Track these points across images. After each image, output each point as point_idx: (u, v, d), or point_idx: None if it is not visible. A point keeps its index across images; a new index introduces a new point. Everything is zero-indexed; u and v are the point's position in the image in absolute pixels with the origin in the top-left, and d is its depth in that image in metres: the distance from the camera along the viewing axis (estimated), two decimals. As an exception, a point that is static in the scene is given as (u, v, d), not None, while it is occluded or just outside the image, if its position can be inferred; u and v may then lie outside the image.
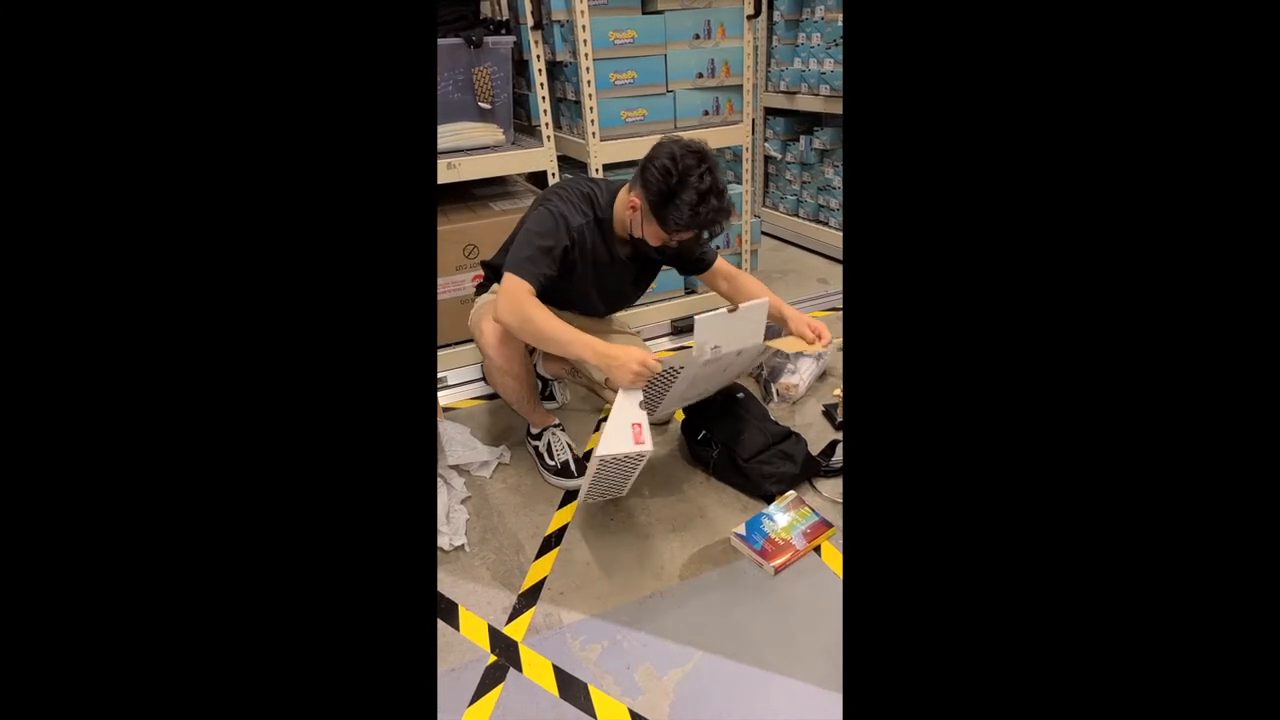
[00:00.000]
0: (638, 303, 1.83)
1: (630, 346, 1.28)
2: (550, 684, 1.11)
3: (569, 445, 1.60)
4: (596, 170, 1.94)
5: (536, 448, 1.62)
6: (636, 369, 1.23)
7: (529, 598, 1.28)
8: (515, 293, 1.30)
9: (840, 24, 2.46)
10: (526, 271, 1.31)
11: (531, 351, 1.59)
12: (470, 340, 1.99)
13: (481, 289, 1.67)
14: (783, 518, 1.38)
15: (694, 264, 1.62)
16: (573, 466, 1.56)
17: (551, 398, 1.89)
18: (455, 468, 1.59)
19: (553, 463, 1.58)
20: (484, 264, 1.67)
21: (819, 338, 1.49)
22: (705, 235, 1.39)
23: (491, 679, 1.12)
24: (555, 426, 1.63)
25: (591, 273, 1.47)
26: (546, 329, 1.28)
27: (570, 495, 1.54)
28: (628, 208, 1.38)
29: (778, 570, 1.28)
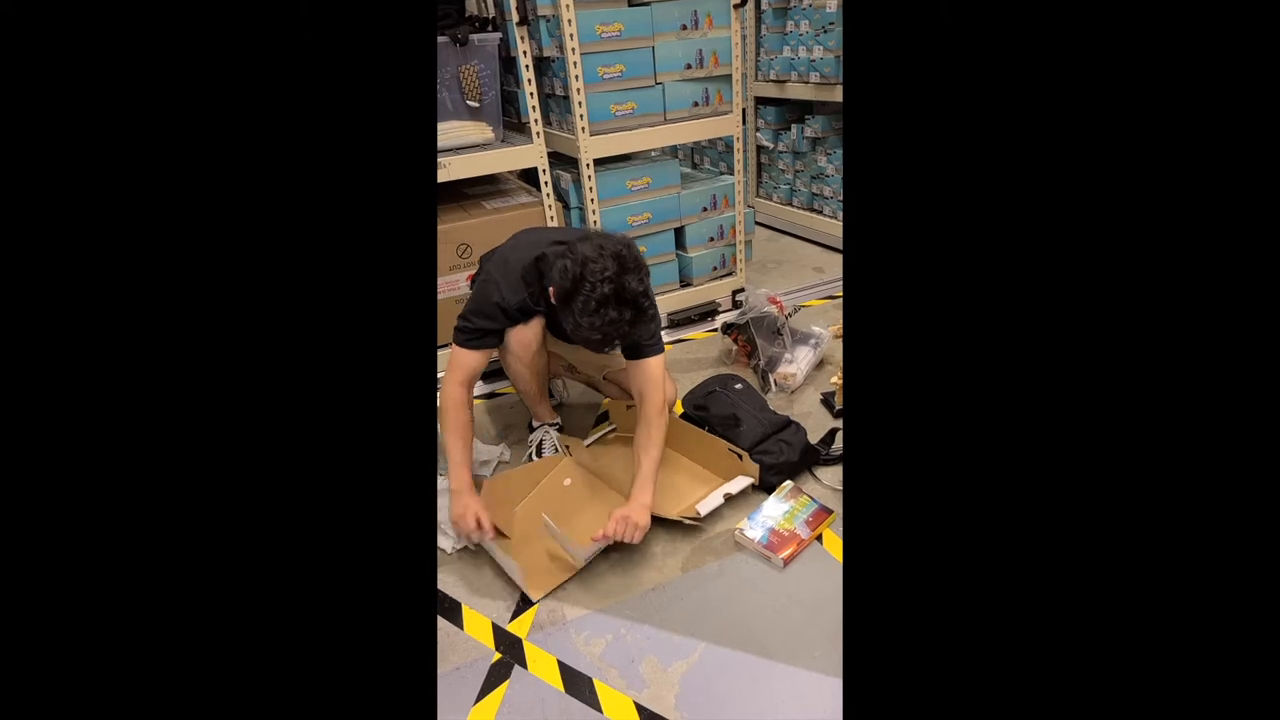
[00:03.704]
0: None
1: (467, 509, 1.27)
2: (555, 680, 1.11)
3: (558, 445, 1.60)
4: (588, 165, 1.93)
5: (531, 441, 1.63)
6: (459, 529, 1.29)
7: (532, 594, 1.28)
8: (449, 374, 1.36)
9: (829, 10, 2.45)
10: (465, 345, 1.36)
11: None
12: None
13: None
14: (782, 507, 1.38)
15: (630, 350, 1.42)
16: None
17: (550, 394, 1.89)
18: (455, 468, 1.59)
19: (540, 459, 1.58)
20: (482, 259, 1.67)
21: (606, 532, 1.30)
22: (610, 347, 1.30)
23: (496, 676, 1.13)
24: (551, 425, 1.63)
25: (553, 333, 1.46)
26: (443, 437, 1.35)
27: (571, 491, 1.54)
28: (551, 294, 1.27)
29: (786, 562, 1.28)
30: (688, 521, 1.36)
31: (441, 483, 1.52)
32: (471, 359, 1.37)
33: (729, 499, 1.41)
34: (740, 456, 1.45)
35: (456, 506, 1.29)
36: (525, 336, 1.39)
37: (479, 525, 1.26)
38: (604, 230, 1.31)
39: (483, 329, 1.36)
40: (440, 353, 1.96)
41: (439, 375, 1.93)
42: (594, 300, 1.17)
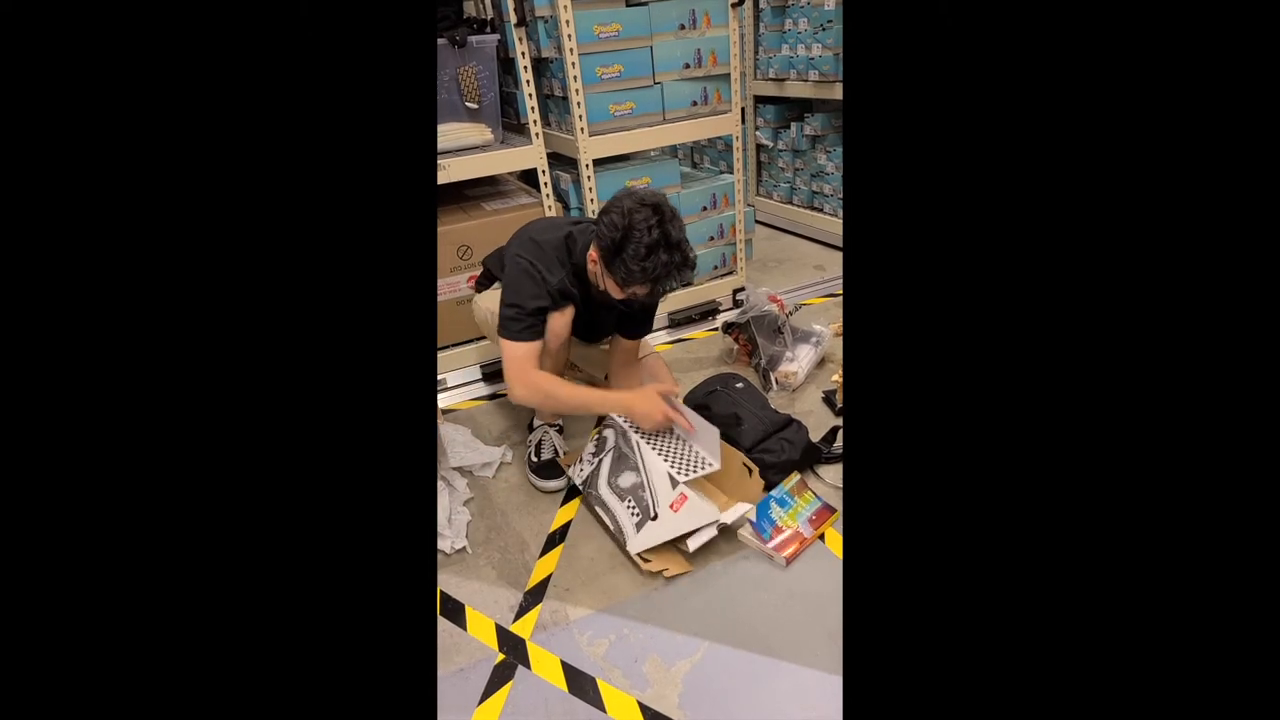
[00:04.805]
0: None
1: (649, 395, 1.36)
2: (559, 680, 1.11)
3: (556, 446, 1.60)
4: (587, 165, 1.93)
5: (530, 440, 1.63)
6: (659, 419, 1.36)
7: (535, 595, 1.28)
8: (522, 368, 1.36)
9: (827, 8, 2.44)
10: (524, 335, 1.36)
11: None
12: (469, 341, 2.00)
13: (481, 286, 1.70)
14: (787, 503, 1.38)
15: (633, 328, 1.56)
16: (557, 466, 1.57)
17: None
18: (458, 469, 1.59)
19: (537, 460, 1.58)
20: (484, 263, 1.70)
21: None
22: (663, 290, 1.35)
23: (500, 677, 1.13)
24: (553, 426, 1.63)
25: (579, 315, 1.47)
26: (569, 399, 1.41)
27: (574, 491, 1.54)
28: (591, 260, 1.35)
29: (789, 560, 1.28)
30: (678, 548, 1.32)
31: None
32: (532, 349, 1.36)
33: (722, 529, 1.33)
34: (750, 471, 1.40)
35: (641, 403, 1.36)
36: (557, 325, 1.40)
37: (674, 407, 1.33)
38: (629, 188, 1.36)
39: (535, 310, 1.35)
40: (440, 355, 1.97)
41: (439, 377, 1.96)
42: (644, 246, 1.24)
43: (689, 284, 1.44)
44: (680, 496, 1.28)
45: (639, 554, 1.29)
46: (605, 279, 1.33)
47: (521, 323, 1.35)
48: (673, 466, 1.33)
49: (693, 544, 1.30)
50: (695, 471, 1.33)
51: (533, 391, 1.37)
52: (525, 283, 1.36)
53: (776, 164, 3.06)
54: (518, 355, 1.36)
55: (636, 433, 1.42)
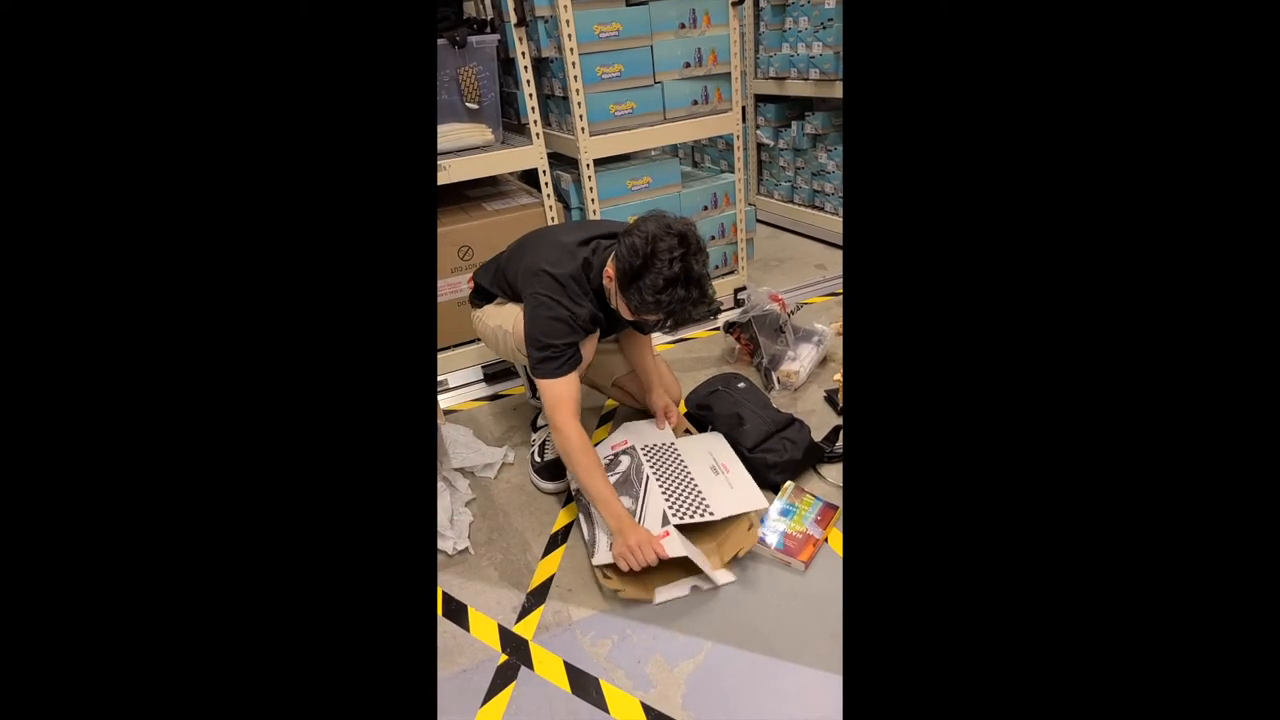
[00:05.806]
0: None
1: (643, 537, 1.22)
2: (562, 681, 1.11)
3: None
4: (587, 165, 1.93)
5: (534, 440, 1.62)
6: (635, 564, 1.20)
7: (538, 596, 1.28)
8: (565, 411, 1.29)
9: (827, 7, 2.44)
10: (562, 370, 1.30)
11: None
12: (470, 342, 2.00)
13: (475, 301, 1.63)
14: (791, 511, 1.37)
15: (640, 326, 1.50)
16: (560, 466, 1.55)
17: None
18: (460, 470, 1.59)
19: (540, 459, 1.58)
20: (475, 278, 1.63)
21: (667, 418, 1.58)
22: (670, 323, 1.30)
23: (503, 678, 1.13)
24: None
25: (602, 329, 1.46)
26: (581, 475, 1.30)
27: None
28: (606, 277, 1.32)
29: (807, 564, 1.27)
30: (640, 599, 1.24)
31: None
32: (571, 386, 1.31)
33: (695, 591, 1.26)
34: (749, 525, 1.31)
35: (631, 538, 1.21)
36: (585, 353, 1.37)
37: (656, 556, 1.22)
38: (660, 211, 1.32)
39: (566, 344, 1.30)
40: (440, 355, 1.97)
41: (440, 379, 1.96)
42: (662, 278, 1.20)
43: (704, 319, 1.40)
44: (663, 533, 1.25)
45: (602, 570, 1.26)
46: (618, 299, 1.29)
47: (556, 361, 1.30)
48: (670, 507, 1.31)
49: (660, 595, 1.24)
50: (690, 517, 1.29)
51: (563, 441, 1.31)
52: (551, 321, 1.30)
53: (777, 163, 3.06)
54: (558, 395, 1.30)
55: (650, 467, 1.41)
